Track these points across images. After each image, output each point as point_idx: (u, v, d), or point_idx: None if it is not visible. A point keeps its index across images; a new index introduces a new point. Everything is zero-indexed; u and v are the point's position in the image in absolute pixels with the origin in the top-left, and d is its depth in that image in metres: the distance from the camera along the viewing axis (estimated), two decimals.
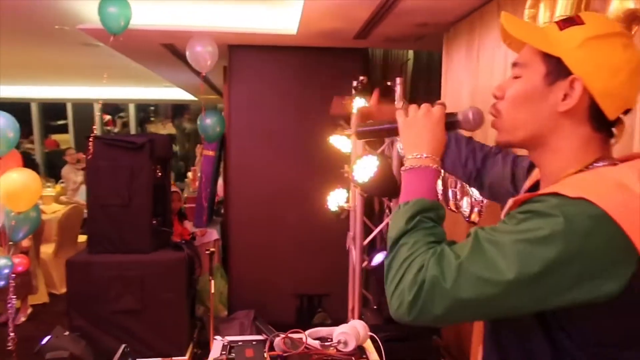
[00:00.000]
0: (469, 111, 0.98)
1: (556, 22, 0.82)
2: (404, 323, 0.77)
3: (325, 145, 3.44)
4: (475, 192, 2.05)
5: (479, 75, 2.53)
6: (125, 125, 9.84)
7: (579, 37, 0.78)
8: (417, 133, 0.93)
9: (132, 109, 9.51)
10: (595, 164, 0.79)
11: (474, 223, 2.11)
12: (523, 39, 0.83)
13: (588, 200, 0.68)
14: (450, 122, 0.97)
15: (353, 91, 3.04)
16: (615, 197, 0.69)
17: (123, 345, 1.06)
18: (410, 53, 4.15)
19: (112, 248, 3.01)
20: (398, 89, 2.94)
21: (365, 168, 2.72)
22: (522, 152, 0.97)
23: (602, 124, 0.80)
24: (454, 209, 2.23)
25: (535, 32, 0.85)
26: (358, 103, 2.77)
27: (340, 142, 3.38)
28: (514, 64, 0.86)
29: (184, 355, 3.07)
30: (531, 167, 1.01)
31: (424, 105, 0.96)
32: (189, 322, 3.22)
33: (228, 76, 3.95)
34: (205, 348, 3.39)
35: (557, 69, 0.79)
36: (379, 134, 1.09)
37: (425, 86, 4.12)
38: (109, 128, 9.90)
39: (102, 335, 2.93)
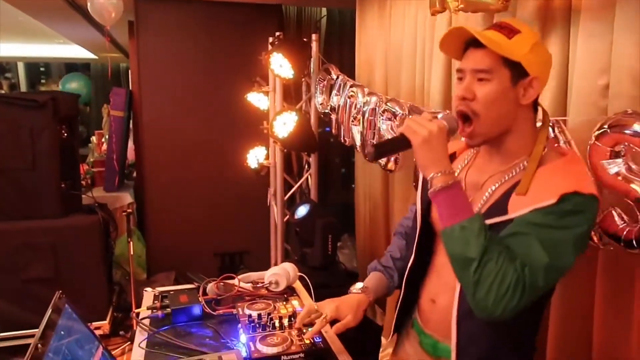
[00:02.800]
0: (452, 120, 1.04)
1: (500, 32, 1.00)
2: (498, 319, 0.94)
3: (242, 102, 3.43)
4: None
5: (391, 32, 2.64)
6: (14, 86, 8.90)
7: (527, 44, 0.99)
8: (436, 150, 0.98)
9: (21, 68, 8.60)
10: (546, 149, 1.05)
11: (390, 171, 2.26)
12: (496, 49, 0.98)
13: (595, 196, 0.96)
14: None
15: (269, 47, 3.04)
16: (596, 189, 0.99)
17: (58, 292, 1.04)
18: (324, 11, 4.18)
19: (17, 215, 2.81)
20: (314, 46, 2.99)
21: (285, 124, 2.77)
22: None
23: (535, 107, 1.07)
24: None
25: (499, 43, 0.99)
26: (276, 59, 2.78)
27: (258, 99, 3.38)
28: (479, 70, 1.00)
29: (104, 319, 3.00)
30: None
31: (429, 122, 0.99)
32: (107, 287, 3.13)
33: (135, 31, 3.74)
34: (125, 312, 3.34)
35: (518, 71, 0.99)
36: (393, 152, 1.16)
37: (339, 44, 4.20)
38: None
39: (12, 306, 2.76)
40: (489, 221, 0.99)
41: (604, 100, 1.37)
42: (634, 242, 1.15)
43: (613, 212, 1.20)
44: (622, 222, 1.19)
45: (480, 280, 0.92)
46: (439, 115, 1.06)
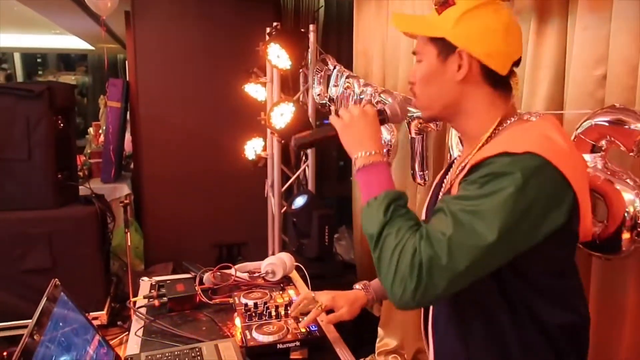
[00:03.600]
0: (395, 105, 1.06)
1: (435, 8, 0.97)
2: (409, 308, 0.82)
3: (240, 93, 3.41)
4: (384, 134, 2.19)
5: (389, 23, 2.63)
6: (10, 77, 8.84)
7: (453, 16, 0.93)
8: (358, 133, 0.97)
9: (17, 59, 8.54)
10: (507, 122, 0.94)
11: None
12: (411, 31, 1.00)
13: (532, 153, 0.80)
14: (382, 119, 1.04)
15: (267, 37, 3.02)
16: (548, 146, 0.82)
17: (53, 280, 1.04)
18: (322, 1, 4.15)
19: (13, 205, 2.80)
20: (312, 36, 2.98)
21: (282, 115, 2.76)
22: None
23: (498, 81, 0.95)
24: None
25: (420, 23, 1.00)
26: (273, 50, 2.77)
27: (255, 90, 3.37)
28: (414, 52, 1.01)
29: (101, 310, 3.01)
30: None
31: (355, 107, 1.01)
32: (105, 278, 3.14)
33: (131, 22, 3.71)
34: (123, 302, 3.35)
35: (444, 47, 0.94)
36: (318, 144, 1.12)
37: (337, 35, 4.17)
38: None
39: (9, 296, 2.77)
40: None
41: (600, 91, 1.37)
42: (597, 241, 1.13)
43: None
44: None
45: (380, 258, 0.83)
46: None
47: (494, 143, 0.88)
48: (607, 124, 1.13)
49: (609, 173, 1.13)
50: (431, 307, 1.01)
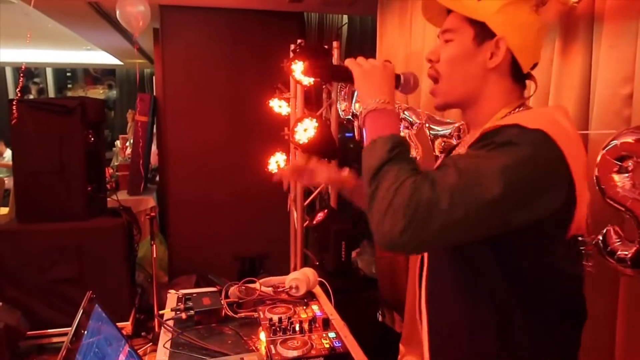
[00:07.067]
0: (410, 75, 1.06)
1: None
2: (392, 248, 0.79)
3: (264, 108, 3.47)
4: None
5: (412, 40, 2.65)
6: (42, 91, 9.15)
7: (497, 4, 0.94)
8: (376, 81, 0.96)
9: (49, 73, 8.84)
10: (518, 109, 0.96)
11: None
12: (454, 9, 0.97)
13: (543, 131, 0.82)
14: (395, 83, 1.04)
15: (291, 54, 3.08)
16: (556, 129, 0.83)
17: (89, 292, 1.09)
18: (345, 18, 4.22)
19: (46, 216, 2.90)
20: (335, 53, 3.03)
21: (306, 130, 2.80)
22: None
23: (519, 77, 0.98)
24: None
25: (465, 3, 0.97)
26: (298, 66, 2.82)
27: (279, 105, 3.42)
28: (444, 31, 0.99)
29: (126, 320, 3.07)
30: None
31: (379, 59, 1.01)
32: (130, 289, 3.20)
33: (160, 38, 3.83)
34: (147, 313, 3.40)
35: (482, 31, 0.94)
36: (337, 77, 1.12)
37: (360, 52, 4.22)
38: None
39: (39, 305, 2.85)
40: None
41: (627, 110, 1.36)
42: (628, 261, 1.13)
43: (610, 229, 1.19)
44: (618, 239, 1.17)
45: (375, 191, 0.81)
46: None
47: (506, 119, 0.90)
48: (633, 144, 1.13)
49: (637, 193, 1.12)
50: (424, 279, 1.01)
